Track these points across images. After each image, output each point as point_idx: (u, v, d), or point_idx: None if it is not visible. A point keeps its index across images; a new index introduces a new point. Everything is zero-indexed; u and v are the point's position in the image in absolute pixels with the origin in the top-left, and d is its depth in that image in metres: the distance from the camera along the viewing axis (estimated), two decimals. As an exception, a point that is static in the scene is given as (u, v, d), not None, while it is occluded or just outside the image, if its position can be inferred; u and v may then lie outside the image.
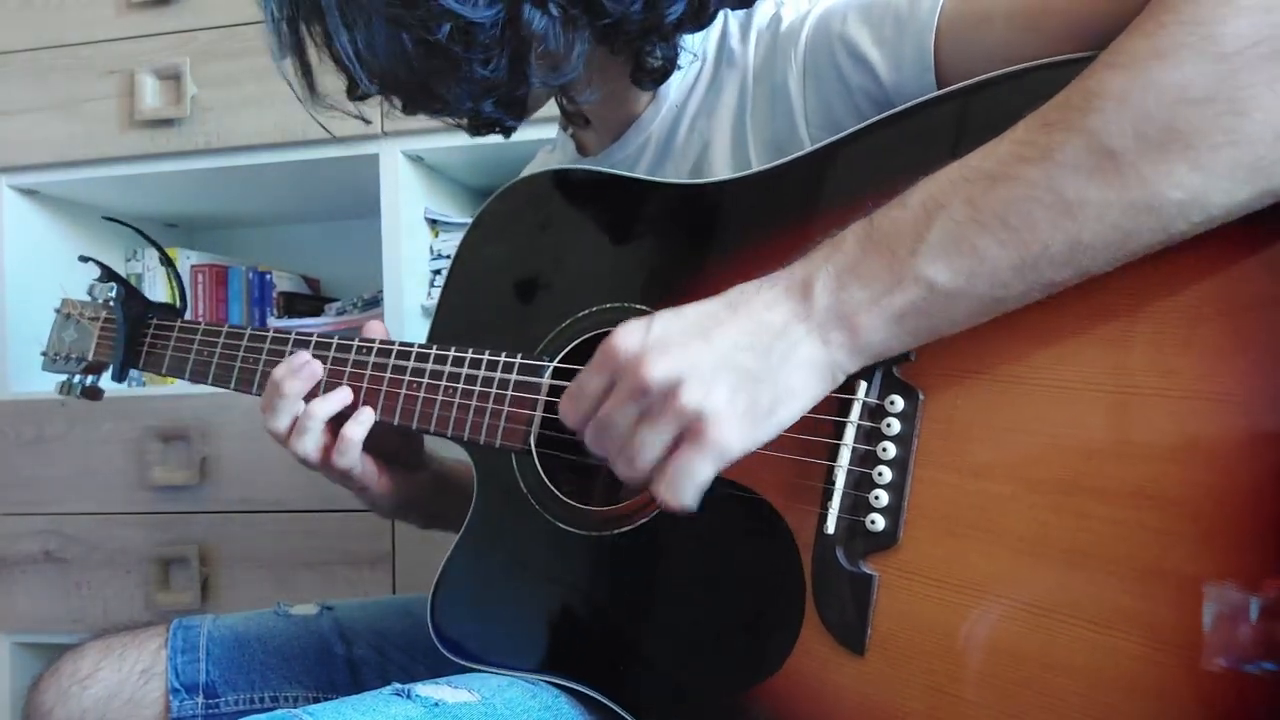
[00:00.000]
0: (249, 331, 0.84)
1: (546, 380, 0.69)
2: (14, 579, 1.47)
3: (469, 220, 0.79)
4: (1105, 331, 0.50)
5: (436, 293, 1.43)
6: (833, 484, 0.56)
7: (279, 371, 0.76)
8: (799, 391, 0.53)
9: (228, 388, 0.85)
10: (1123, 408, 0.49)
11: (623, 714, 0.62)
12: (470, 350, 0.72)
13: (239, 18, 1.41)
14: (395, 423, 0.75)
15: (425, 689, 0.61)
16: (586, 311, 0.70)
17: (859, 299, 0.52)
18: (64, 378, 0.99)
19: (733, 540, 0.60)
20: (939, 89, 0.60)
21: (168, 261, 1.03)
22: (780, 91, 0.69)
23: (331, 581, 1.36)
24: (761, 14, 0.73)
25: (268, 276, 1.74)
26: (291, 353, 0.78)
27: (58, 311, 1.00)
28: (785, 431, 0.54)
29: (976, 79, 0.56)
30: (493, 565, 0.73)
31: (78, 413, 1.44)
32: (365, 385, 0.76)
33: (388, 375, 0.76)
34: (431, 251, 1.46)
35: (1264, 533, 0.45)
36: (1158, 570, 0.47)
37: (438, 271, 1.45)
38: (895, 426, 0.55)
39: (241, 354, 0.83)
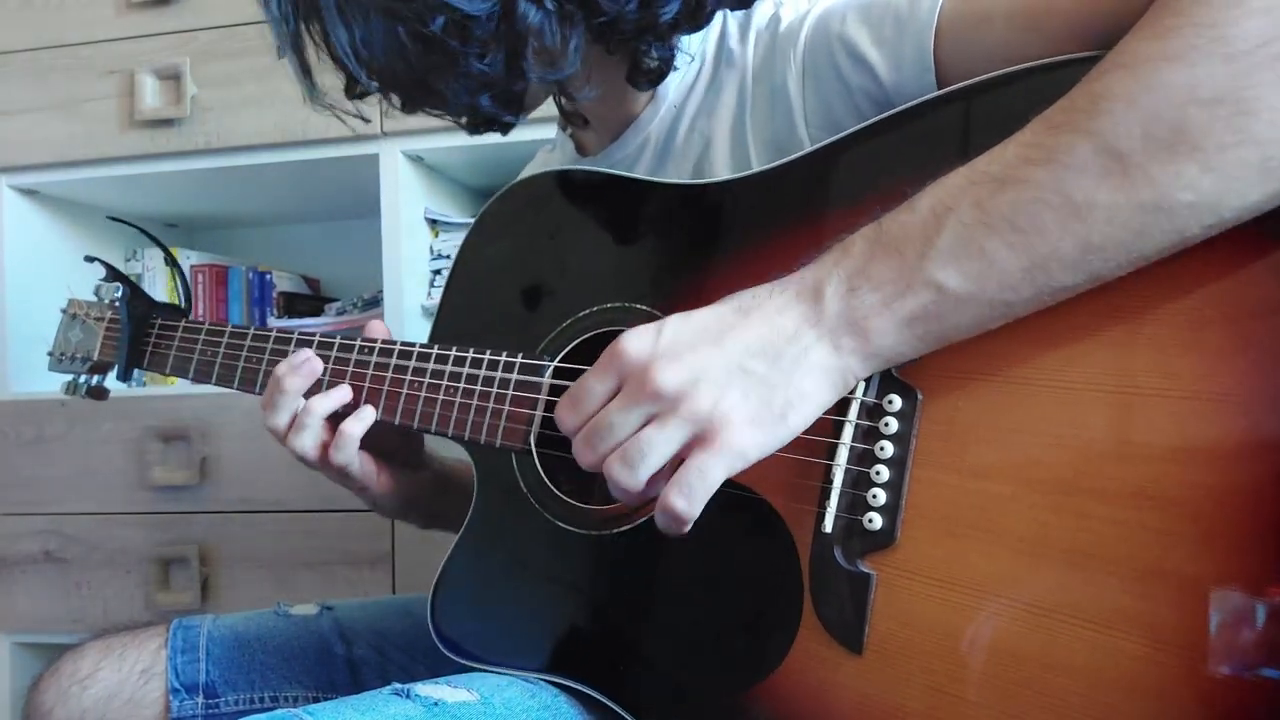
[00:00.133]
0: (252, 331, 0.84)
1: (547, 380, 0.69)
2: (14, 579, 1.48)
3: (469, 220, 0.80)
4: (1105, 332, 0.50)
5: (436, 293, 1.43)
6: (830, 483, 0.56)
7: (280, 368, 0.76)
8: (811, 396, 0.53)
9: (231, 388, 0.85)
10: (1123, 408, 0.49)
11: (622, 713, 0.62)
12: (471, 350, 0.72)
13: (239, 18, 1.41)
14: (396, 422, 0.75)
15: (425, 689, 0.61)
16: (587, 311, 0.70)
17: (870, 303, 0.52)
18: (70, 377, 1.00)
19: (731, 539, 0.60)
20: (939, 89, 0.60)
21: (173, 262, 1.03)
22: (780, 92, 0.69)
23: (331, 581, 1.36)
24: (760, 14, 0.73)
25: (268, 276, 1.74)
26: (293, 351, 0.79)
27: (64, 311, 1.00)
28: (785, 431, 0.54)
29: (977, 79, 0.56)
30: (493, 565, 0.73)
31: (78, 413, 1.44)
32: (367, 385, 0.76)
33: (389, 375, 0.76)
34: (431, 251, 1.46)
35: (1264, 533, 0.45)
36: (1158, 571, 0.47)
37: (438, 271, 1.45)
38: (893, 426, 0.55)
39: (244, 354, 0.84)
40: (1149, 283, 0.49)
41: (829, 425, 0.56)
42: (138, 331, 0.92)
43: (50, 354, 1.01)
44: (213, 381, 0.86)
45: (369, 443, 0.76)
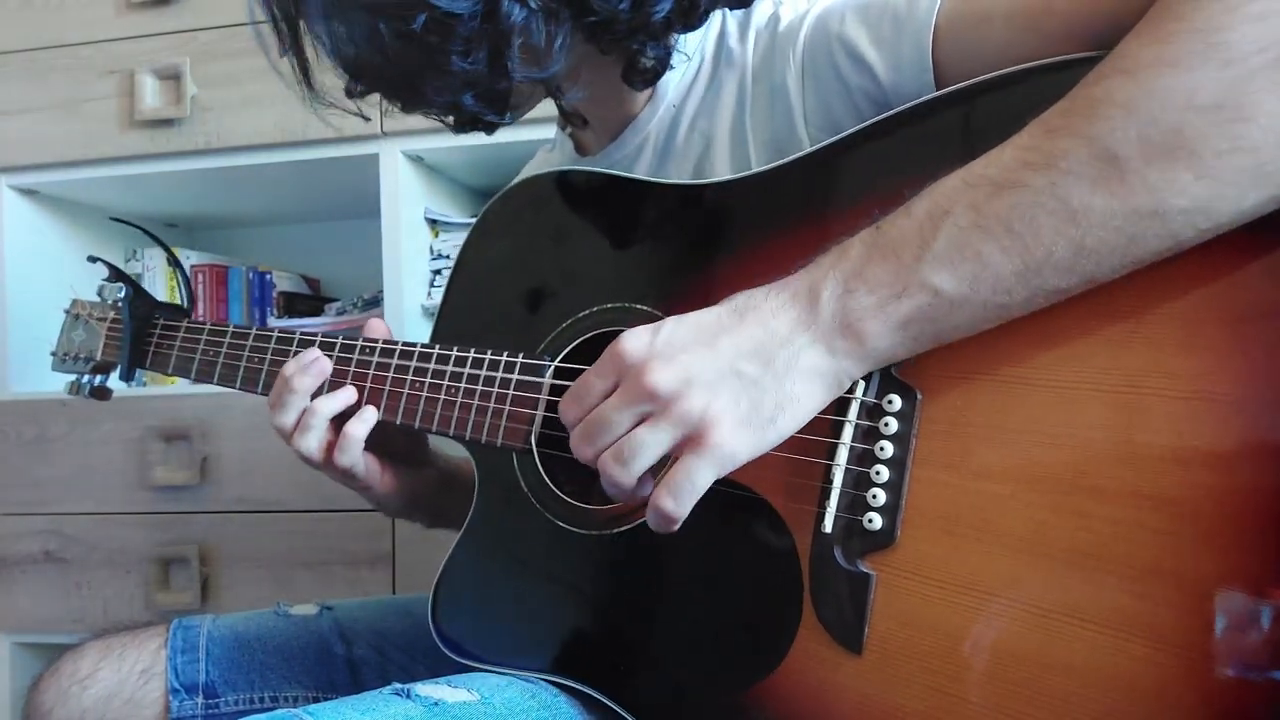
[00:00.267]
0: (254, 331, 0.84)
1: (548, 380, 0.69)
2: (14, 579, 1.47)
3: (469, 220, 0.80)
4: (1105, 333, 0.50)
5: (436, 293, 1.43)
6: (830, 483, 0.56)
7: (289, 367, 0.76)
8: (802, 399, 0.53)
9: (233, 387, 0.85)
10: (1123, 408, 0.49)
11: (622, 713, 0.62)
12: (472, 350, 0.73)
13: (239, 18, 1.41)
14: (398, 422, 0.75)
15: (425, 688, 0.61)
16: (587, 311, 0.70)
17: (865, 305, 0.52)
18: (73, 377, 1.00)
19: (731, 539, 0.60)
20: (937, 89, 0.60)
21: (175, 262, 1.03)
22: (779, 91, 0.69)
23: (331, 581, 1.36)
24: (760, 13, 0.73)
25: (268, 276, 1.74)
26: (298, 350, 0.78)
27: (67, 312, 1.01)
28: (784, 432, 0.54)
29: (976, 80, 0.56)
30: (493, 564, 0.73)
31: (78, 413, 1.44)
32: (369, 385, 0.76)
33: (390, 375, 0.76)
34: (431, 251, 1.46)
35: (1264, 532, 0.45)
36: (1157, 570, 0.47)
37: (438, 271, 1.45)
38: (893, 426, 0.55)
39: (246, 354, 0.84)
40: (1149, 283, 0.49)
41: (829, 425, 0.56)
42: (140, 332, 0.93)
43: (54, 354, 1.01)
44: (214, 381, 0.86)
45: (373, 443, 0.76)
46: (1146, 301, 0.49)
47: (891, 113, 0.60)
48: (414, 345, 0.75)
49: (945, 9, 0.60)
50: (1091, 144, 0.47)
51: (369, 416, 0.75)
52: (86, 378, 0.99)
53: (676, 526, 0.54)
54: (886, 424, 0.55)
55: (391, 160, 1.39)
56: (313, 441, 0.75)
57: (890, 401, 0.55)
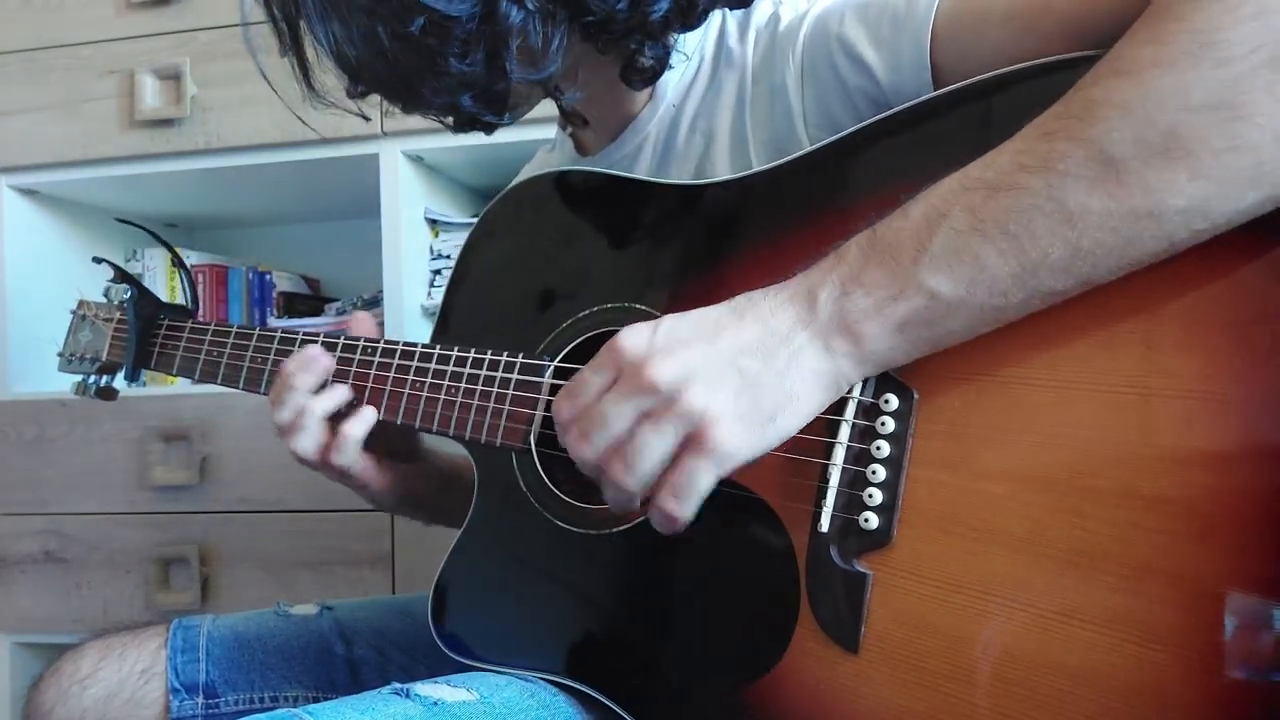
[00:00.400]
0: (257, 332, 0.85)
1: (547, 380, 0.69)
2: (14, 579, 1.48)
3: (469, 220, 0.80)
4: (1103, 333, 0.50)
5: (436, 293, 1.44)
6: (827, 482, 0.56)
7: (289, 365, 0.75)
8: (802, 398, 0.53)
9: (236, 387, 0.85)
10: (1120, 408, 0.49)
11: (620, 712, 0.62)
12: (472, 350, 0.73)
13: (239, 18, 1.41)
14: (399, 422, 0.75)
15: (424, 688, 0.61)
16: (587, 311, 0.70)
17: (862, 307, 0.52)
18: (79, 378, 1.01)
19: (728, 538, 0.60)
20: (936, 89, 0.60)
21: (180, 263, 1.03)
22: (779, 91, 0.69)
23: (331, 581, 1.37)
24: (760, 13, 0.73)
25: (268, 276, 1.74)
26: (301, 348, 0.79)
27: (73, 312, 1.01)
28: (782, 432, 0.54)
29: (974, 80, 0.56)
30: (493, 564, 0.73)
31: (78, 413, 1.45)
32: (369, 385, 0.77)
33: (391, 375, 0.76)
34: (431, 251, 1.46)
35: (1261, 532, 0.45)
36: (1154, 570, 0.47)
37: (438, 271, 1.46)
38: (890, 425, 0.55)
39: (250, 354, 0.84)
40: (1147, 284, 0.49)
41: (826, 425, 0.56)
42: (145, 332, 0.93)
43: (60, 354, 1.02)
44: (218, 382, 0.86)
45: (368, 442, 0.76)
46: (1145, 302, 0.49)
47: (889, 113, 0.60)
48: (414, 345, 0.76)
49: (943, 9, 0.60)
50: (1087, 146, 0.47)
51: (368, 417, 0.75)
52: (92, 378, 1.00)
53: (682, 527, 0.54)
54: (883, 423, 0.55)
55: (391, 160, 1.39)
56: (307, 441, 0.75)
57: (887, 401, 0.55)
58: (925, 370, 0.54)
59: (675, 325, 0.54)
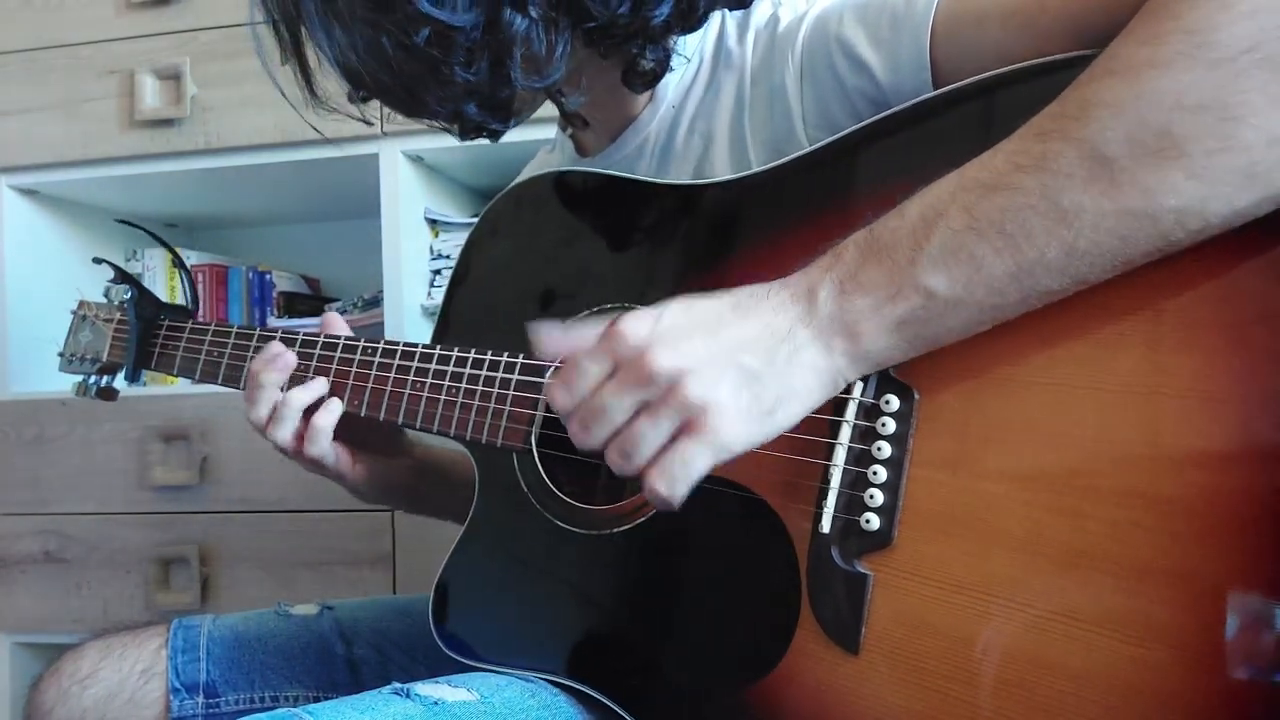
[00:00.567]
0: (258, 332, 0.85)
1: (548, 380, 0.69)
2: (14, 579, 1.48)
3: (469, 220, 0.80)
4: (1102, 333, 0.50)
5: (437, 293, 1.43)
6: (828, 483, 0.56)
7: (255, 364, 0.79)
8: (801, 394, 0.53)
9: (236, 388, 0.86)
10: (1118, 408, 0.49)
11: (620, 712, 0.62)
12: (472, 350, 0.73)
13: (239, 18, 1.41)
14: (399, 422, 0.76)
15: (425, 688, 0.61)
16: (588, 312, 0.70)
17: (860, 307, 0.52)
18: (80, 378, 1.01)
19: (729, 539, 0.60)
20: (935, 89, 0.60)
21: (180, 264, 1.04)
22: (778, 92, 0.69)
23: (331, 581, 1.37)
24: (759, 14, 0.73)
25: (268, 276, 1.74)
26: (263, 346, 0.81)
27: (74, 313, 1.01)
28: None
29: (973, 80, 0.56)
30: (494, 564, 0.73)
31: (78, 413, 1.45)
32: (370, 385, 0.77)
33: (391, 375, 0.76)
34: (431, 251, 1.46)
35: (1260, 532, 0.45)
36: (1153, 570, 0.47)
37: (438, 271, 1.46)
38: (890, 426, 0.55)
39: (250, 354, 0.84)
40: (1146, 283, 0.49)
41: (826, 425, 0.56)
42: (145, 333, 0.93)
43: (61, 355, 1.02)
44: (219, 382, 0.87)
45: (346, 434, 0.77)
46: (1144, 302, 0.49)
47: (889, 112, 0.60)
48: (414, 346, 0.76)
49: (942, 9, 0.60)
50: (1081, 146, 0.47)
51: (334, 408, 0.77)
52: (93, 378, 1.00)
53: (677, 506, 0.53)
54: (884, 424, 0.55)
55: (391, 160, 1.39)
56: (286, 432, 0.77)
57: (888, 402, 0.55)
58: (926, 371, 0.54)
59: (678, 316, 0.54)
